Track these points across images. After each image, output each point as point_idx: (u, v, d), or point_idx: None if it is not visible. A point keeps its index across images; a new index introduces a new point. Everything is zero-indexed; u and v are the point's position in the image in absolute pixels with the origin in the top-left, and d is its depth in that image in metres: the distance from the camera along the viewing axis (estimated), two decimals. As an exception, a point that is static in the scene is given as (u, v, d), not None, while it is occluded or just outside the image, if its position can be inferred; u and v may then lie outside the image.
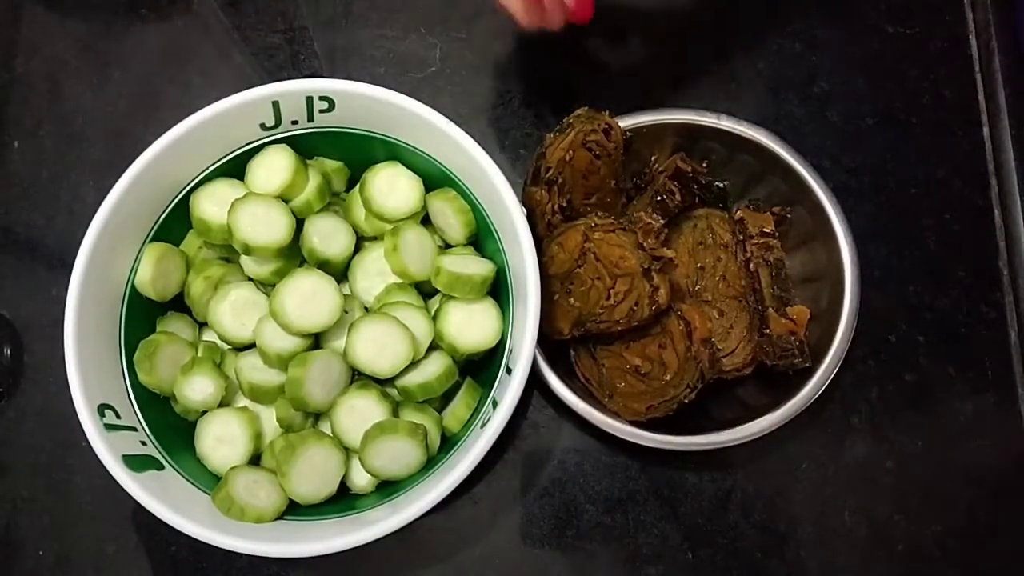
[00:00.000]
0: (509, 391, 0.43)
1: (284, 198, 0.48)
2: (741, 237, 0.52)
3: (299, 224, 0.48)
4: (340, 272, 0.49)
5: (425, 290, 0.49)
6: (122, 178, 0.45)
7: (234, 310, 0.48)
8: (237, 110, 0.46)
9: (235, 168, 0.49)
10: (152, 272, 0.47)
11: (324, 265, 0.48)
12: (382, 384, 0.47)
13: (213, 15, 0.62)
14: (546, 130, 0.51)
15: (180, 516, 0.41)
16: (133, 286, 0.47)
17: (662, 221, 0.51)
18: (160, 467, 0.44)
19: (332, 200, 0.51)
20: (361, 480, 0.47)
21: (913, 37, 0.61)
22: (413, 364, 0.47)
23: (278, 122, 0.48)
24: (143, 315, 0.48)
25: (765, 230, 0.52)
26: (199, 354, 0.48)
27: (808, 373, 0.48)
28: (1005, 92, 0.59)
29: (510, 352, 0.46)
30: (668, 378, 0.47)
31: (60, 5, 0.63)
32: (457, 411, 0.48)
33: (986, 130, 0.59)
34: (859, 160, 0.58)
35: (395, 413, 0.47)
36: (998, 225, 0.57)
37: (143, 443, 0.45)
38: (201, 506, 0.44)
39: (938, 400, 0.54)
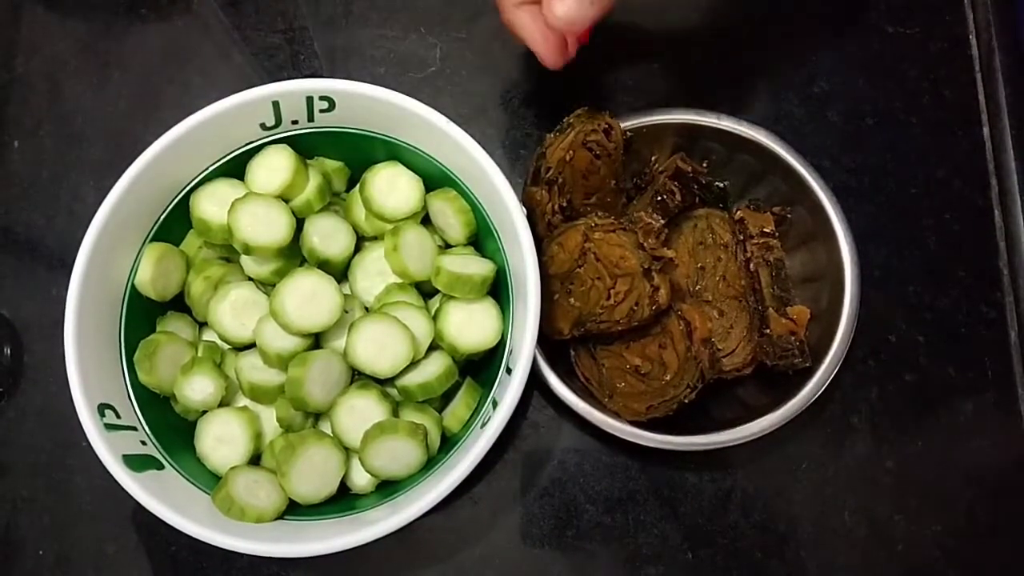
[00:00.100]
0: (509, 391, 0.43)
1: (284, 198, 0.48)
2: (741, 237, 0.52)
3: (299, 224, 0.48)
4: (340, 272, 0.49)
5: (425, 290, 0.49)
6: (122, 178, 0.45)
7: (234, 310, 0.48)
8: (237, 110, 0.46)
9: (235, 168, 0.49)
10: (152, 272, 0.47)
11: (324, 265, 0.48)
12: (382, 384, 0.47)
13: (213, 15, 0.62)
14: (546, 130, 0.51)
15: (180, 516, 0.41)
16: (133, 286, 0.47)
17: (662, 221, 0.52)
18: (160, 467, 0.44)
19: (332, 200, 0.51)
20: (361, 480, 0.47)
21: (913, 37, 0.61)
22: (413, 364, 0.47)
23: (278, 122, 0.48)
24: (143, 315, 0.48)
25: (765, 230, 0.52)
26: (199, 354, 0.48)
27: (808, 373, 0.48)
28: (1005, 92, 0.59)
29: (510, 352, 0.46)
30: (668, 378, 0.47)
31: (60, 5, 0.63)
32: (457, 411, 0.48)
33: (986, 130, 0.59)
34: (859, 160, 0.58)
35: (395, 413, 0.47)
36: (998, 225, 0.57)
37: (143, 443, 0.45)
38: (201, 506, 0.43)
39: (938, 400, 0.54)
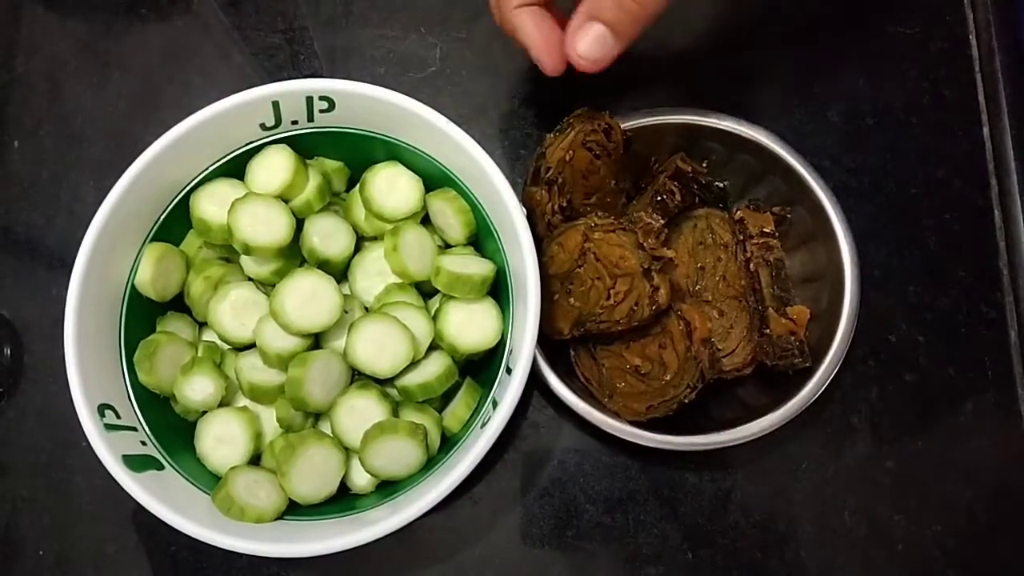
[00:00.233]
0: (509, 391, 0.43)
1: (284, 198, 0.48)
2: (741, 237, 0.52)
3: (299, 224, 0.48)
4: (340, 272, 0.49)
5: (425, 290, 0.49)
6: (122, 178, 0.45)
7: (234, 310, 0.48)
8: (237, 110, 0.46)
9: (235, 168, 0.49)
10: (152, 272, 0.47)
11: (324, 265, 0.48)
12: (382, 384, 0.47)
13: (213, 15, 0.62)
14: (546, 130, 0.51)
15: (180, 516, 0.41)
16: (133, 286, 0.47)
17: (662, 221, 0.52)
18: (160, 467, 0.44)
19: (332, 200, 0.51)
20: (361, 480, 0.47)
21: (913, 37, 0.61)
22: (413, 364, 0.47)
23: (278, 122, 0.48)
24: (143, 315, 0.48)
25: (765, 230, 0.52)
26: (199, 354, 0.48)
27: (808, 373, 0.48)
28: (1005, 92, 0.59)
29: (510, 352, 0.46)
30: (668, 378, 0.47)
31: (60, 5, 0.63)
32: (457, 411, 0.48)
33: (986, 130, 0.59)
34: (859, 160, 0.58)
35: (395, 413, 0.47)
36: (998, 225, 0.57)
37: (143, 443, 0.45)
38: (201, 506, 0.43)
39: (938, 400, 0.54)
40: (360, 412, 0.46)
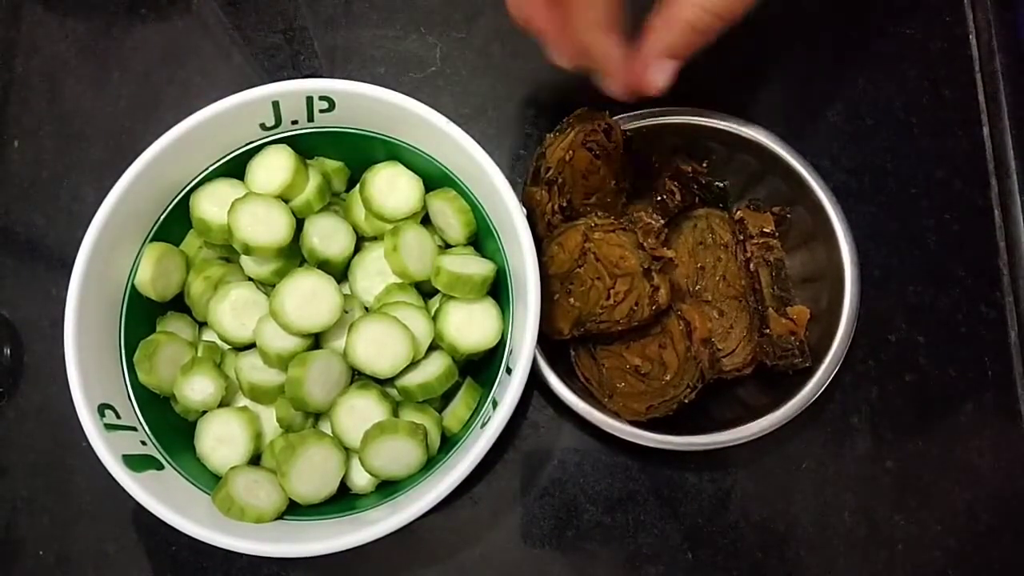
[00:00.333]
0: (509, 391, 0.43)
1: (284, 198, 0.48)
2: (741, 237, 0.52)
3: (299, 224, 0.48)
4: (340, 272, 0.49)
5: (425, 290, 0.49)
6: (122, 178, 0.45)
7: (234, 310, 0.48)
8: (237, 110, 0.46)
9: (235, 168, 0.49)
10: (152, 272, 0.47)
11: (324, 265, 0.48)
12: (382, 384, 0.47)
13: (213, 15, 0.62)
14: (546, 130, 0.51)
15: (180, 516, 0.41)
16: (133, 286, 0.47)
17: (662, 221, 0.52)
18: (160, 467, 0.44)
19: (332, 200, 0.51)
20: (361, 480, 0.47)
21: (913, 37, 0.61)
22: (413, 364, 0.47)
23: (278, 122, 0.48)
24: (143, 315, 0.48)
25: (765, 230, 0.52)
26: (199, 354, 0.48)
27: (808, 373, 0.48)
28: (1005, 92, 0.59)
29: (510, 352, 0.46)
30: (668, 378, 0.47)
31: (60, 5, 0.63)
32: (457, 411, 0.48)
33: (986, 130, 0.59)
34: (859, 160, 0.58)
35: (395, 413, 0.47)
36: (998, 225, 0.57)
37: (143, 443, 0.45)
38: (201, 506, 0.43)
39: (938, 400, 0.54)
40: (360, 412, 0.46)
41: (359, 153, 0.50)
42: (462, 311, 0.47)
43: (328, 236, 0.48)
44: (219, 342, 0.49)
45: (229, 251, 0.50)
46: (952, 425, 0.54)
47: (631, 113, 0.52)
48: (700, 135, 0.52)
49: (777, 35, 0.61)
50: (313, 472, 0.44)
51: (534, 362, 0.47)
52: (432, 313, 0.48)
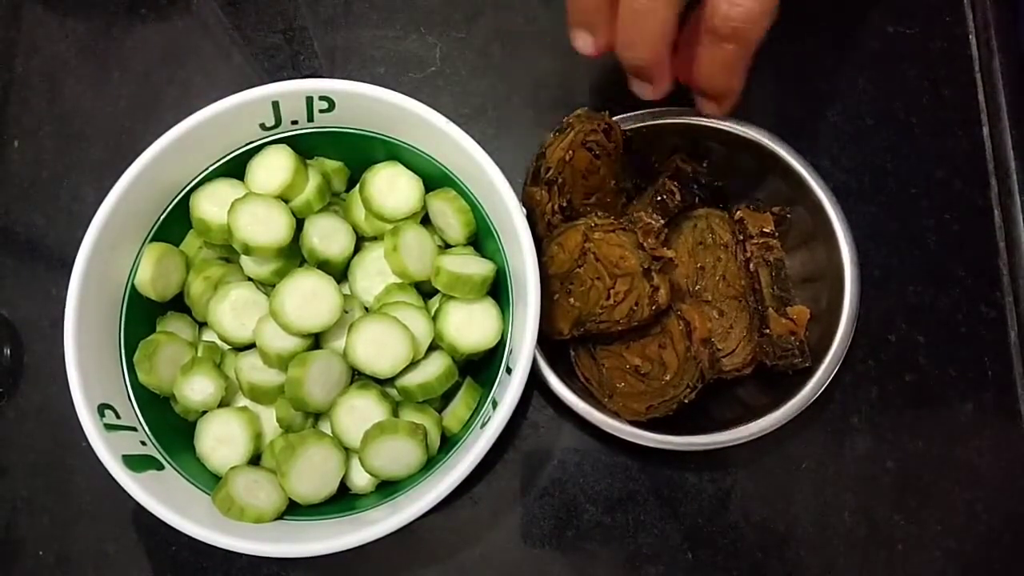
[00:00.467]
0: (509, 391, 0.43)
1: (284, 198, 0.48)
2: (741, 237, 0.52)
3: (299, 224, 0.48)
4: (340, 272, 0.49)
5: (425, 290, 0.49)
6: (122, 178, 0.45)
7: (234, 310, 0.48)
8: (237, 110, 0.46)
9: (235, 168, 0.49)
10: (152, 272, 0.47)
11: (324, 265, 0.48)
12: (382, 384, 0.47)
13: (213, 15, 0.62)
14: (546, 130, 0.51)
15: (180, 516, 0.41)
16: (133, 286, 0.47)
17: (662, 221, 0.51)
18: (160, 467, 0.44)
19: (332, 200, 0.51)
20: (361, 480, 0.47)
21: (913, 37, 0.61)
22: (413, 364, 0.47)
23: (278, 122, 0.48)
24: (143, 315, 0.48)
25: (765, 230, 0.52)
26: (199, 354, 0.48)
27: (808, 373, 0.48)
28: (1005, 92, 0.59)
29: (510, 352, 0.46)
30: (668, 378, 0.47)
31: (60, 5, 0.63)
32: (457, 411, 0.48)
33: (986, 130, 0.59)
34: (859, 160, 0.58)
35: (395, 413, 0.47)
36: (998, 225, 0.57)
37: (143, 443, 0.45)
38: (201, 506, 0.43)
39: (938, 400, 0.54)
40: (360, 412, 0.46)
41: (359, 153, 0.50)
42: (462, 311, 0.47)
43: (328, 236, 0.48)
44: (219, 342, 0.49)
45: (229, 251, 0.50)
46: (952, 425, 0.54)
47: (631, 113, 0.52)
48: (700, 135, 0.52)
49: (777, 35, 0.61)
50: (313, 472, 0.44)
51: (534, 362, 0.47)
52: (432, 313, 0.48)
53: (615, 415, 0.48)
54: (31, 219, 0.59)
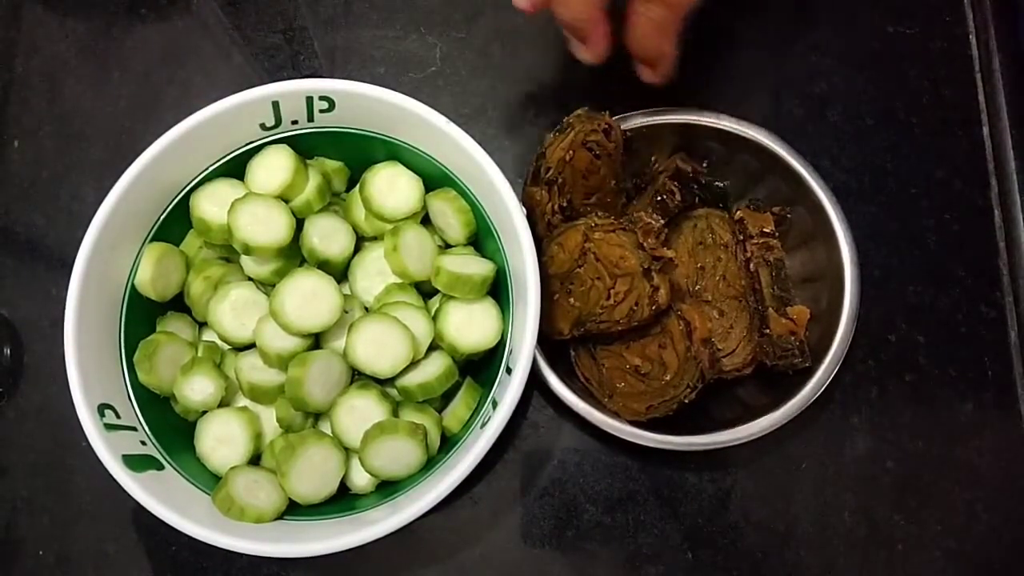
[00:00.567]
0: (509, 391, 0.43)
1: (284, 198, 0.48)
2: (741, 237, 0.52)
3: (299, 224, 0.48)
4: (340, 272, 0.49)
5: (425, 290, 0.49)
6: (122, 178, 0.45)
7: (234, 310, 0.48)
8: (237, 110, 0.46)
9: (235, 168, 0.49)
10: (152, 272, 0.47)
11: (324, 265, 0.48)
12: (382, 384, 0.47)
13: (213, 15, 0.62)
14: (546, 130, 0.51)
15: (180, 516, 0.41)
16: (133, 286, 0.47)
17: (662, 221, 0.51)
18: (160, 467, 0.44)
19: (332, 200, 0.51)
20: (361, 480, 0.47)
21: (913, 37, 0.61)
22: (413, 364, 0.47)
23: (278, 122, 0.48)
24: (143, 315, 0.48)
25: (765, 230, 0.52)
26: (199, 354, 0.48)
27: (808, 373, 0.48)
28: (1005, 92, 0.59)
29: (510, 352, 0.46)
30: (668, 378, 0.47)
31: (60, 5, 0.63)
32: (457, 411, 0.48)
33: (986, 130, 0.59)
34: (859, 160, 0.58)
35: (395, 413, 0.47)
36: (998, 225, 0.57)
37: (143, 443, 0.45)
38: (201, 506, 0.43)
39: (938, 400, 0.54)
40: (360, 412, 0.46)
41: (359, 153, 0.50)
42: (462, 311, 0.47)
43: (328, 236, 0.48)
44: (219, 342, 0.49)
45: (229, 251, 0.50)
46: (952, 425, 0.54)
47: (631, 113, 0.52)
48: (700, 135, 0.52)
49: (777, 35, 0.61)
50: (313, 472, 0.44)
51: (534, 362, 0.47)
52: (432, 313, 0.48)
53: (615, 415, 0.48)
54: (31, 219, 0.59)
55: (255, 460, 0.47)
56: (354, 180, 0.52)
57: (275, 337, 0.46)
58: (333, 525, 0.44)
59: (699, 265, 0.53)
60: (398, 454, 0.45)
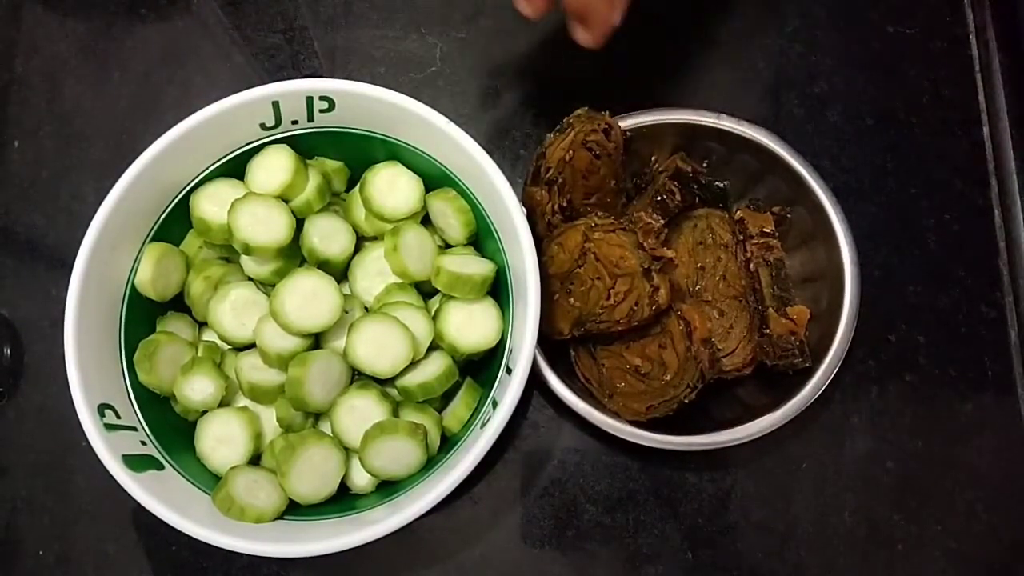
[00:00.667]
0: (509, 391, 0.43)
1: (284, 198, 0.48)
2: (741, 237, 0.52)
3: (299, 224, 0.48)
4: (340, 272, 0.49)
5: (425, 290, 0.49)
6: (122, 178, 0.45)
7: (234, 310, 0.48)
8: (237, 110, 0.46)
9: (235, 168, 0.49)
10: (152, 272, 0.47)
11: (324, 265, 0.48)
12: (382, 384, 0.47)
13: (213, 15, 0.62)
14: (546, 130, 0.51)
15: (180, 516, 0.41)
16: (133, 286, 0.47)
17: (662, 221, 0.52)
18: (160, 467, 0.44)
19: (332, 200, 0.51)
20: (361, 480, 0.47)
21: (913, 37, 0.61)
22: (413, 364, 0.47)
23: (278, 122, 0.48)
24: (143, 315, 0.48)
25: (765, 230, 0.52)
26: (199, 354, 0.48)
27: (808, 373, 0.48)
28: (1005, 92, 0.59)
29: (510, 352, 0.46)
30: (668, 378, 0.47)
31: (60, 5, 0.63)
32: (457, 411, 0.48)
33: (986, 130, 0.59)
34: (859, 160, 0.58)
35: (395, 413, 0.47)
36: (998, 225, 0.57)
37: (143, 443, 0.45)
38: (201, 506, 0.43)
39: (938, 400, 0.54)
40: (360, 412, 0.46)
41: (359, 153, 0.50)
42: (462, 311, 0.47)
43: (328, 236, 0.48)
44: (219, 342, 0.49)
45: (229, 251, 0.50)
46: (952, 425, 0.54)
47: (631, 113, 0.52)
48: (700, 135, 0.52)
49: (777, 35, 0.61)
50: (313, 472, 0.44)
51: (534, 362, 0.47)
52: (432, 313, 0.48)
53: (615, 415, 0.48)
54: (31, 219, 0.59)
55: (255, 460, 0.47)
56: (354, 180, 0.52)
57: (275, 337, 0.46)
58: (333, 525, 0.44)
59: (699, 265, 0.53)
60: (398, 454, 0.45)
